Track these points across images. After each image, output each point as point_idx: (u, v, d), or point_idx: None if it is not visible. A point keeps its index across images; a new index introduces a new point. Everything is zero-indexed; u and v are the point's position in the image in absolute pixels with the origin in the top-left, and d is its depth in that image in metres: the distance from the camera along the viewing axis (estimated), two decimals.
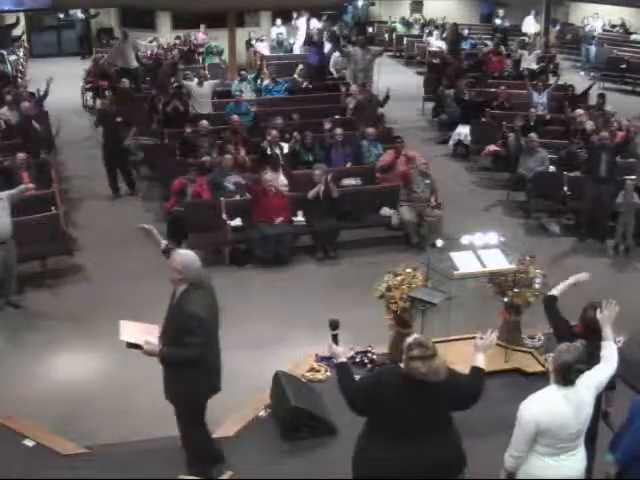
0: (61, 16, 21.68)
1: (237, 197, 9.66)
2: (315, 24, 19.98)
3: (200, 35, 18.13)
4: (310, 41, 17.91)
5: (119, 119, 11.16)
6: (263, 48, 18.96)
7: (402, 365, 3.95)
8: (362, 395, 4.00)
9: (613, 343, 4.43)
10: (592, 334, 4.66)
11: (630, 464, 4.23)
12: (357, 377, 4.25)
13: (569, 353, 4.01)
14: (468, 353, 4.34)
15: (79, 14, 20.83)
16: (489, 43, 18.98)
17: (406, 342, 3.94)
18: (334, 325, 4.31)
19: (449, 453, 4.02)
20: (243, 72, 14.73)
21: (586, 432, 4.14)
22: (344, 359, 4.22)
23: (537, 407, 3.98)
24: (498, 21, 22.33)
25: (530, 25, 21.56)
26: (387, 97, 13.41)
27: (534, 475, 4.05)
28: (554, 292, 5.13)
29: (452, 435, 4.08)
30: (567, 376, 4.00)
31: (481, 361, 4.22)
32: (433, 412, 3.95)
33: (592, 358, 4.48)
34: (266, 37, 19.90)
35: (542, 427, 3.94)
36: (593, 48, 19.75)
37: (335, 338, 4.29)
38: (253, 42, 19.27)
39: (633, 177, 9.84)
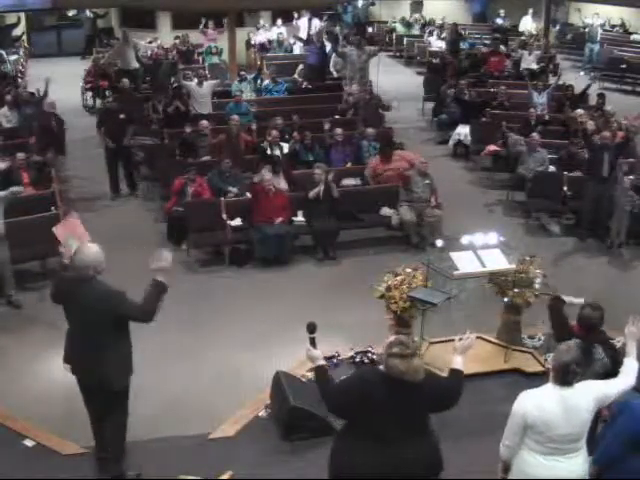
0: (70, 14, 21.65)
1: (235, 190, 9.67)
2: (316, 24, 19.99)
3: (209, 31, 18.10)
4: (309, 41, 17.92)
5: (122, 116, 11.15)
6: (261, 37, 18.98)
7: (381, 365, 3.97)
8: (344, 395, 3.99)
9: (635, 360, 4.39)
10: (587, 333, 4.67)
11: (608, 465, 4.23)
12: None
13: (568, 353, 4.03)
14: (467, 354, 4.34)
15: (88, 13, 20.83)
16: (487, 42, 18.97)
17: (387, 341, 3.97)
18: (311, 328, 4.30)
19: (428, 455, 4.03)
20: (242, 72, 14.74)
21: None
22: (322, 362, 4.20)
23: (528, 400, 4.03)
24: (500, 20, 22.29)
25: (527, 24, 21.55)
26: (388, 107, 13.52)
27: (526, 472, 4.08)
28: (564, 297, 5.15)
29: (431, 437, 4.09)
30: (564, 376, 4.01)
31: (460, 363, 4.24)
32: (414, 413, 3.97)
33: (586, 357, 4.49)
34: (267, 26, 19.88)
35: (529, 421, 3.99)
36: (597, 47, 19.74)
37: (313, 341, 4.28)
38: (252, 36, 19.29)
39: (631, 177, 9.84)
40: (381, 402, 3.89)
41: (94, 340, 4.90)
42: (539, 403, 3.99)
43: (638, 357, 4.39)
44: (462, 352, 4.28)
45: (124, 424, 5.23)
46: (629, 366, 4.35)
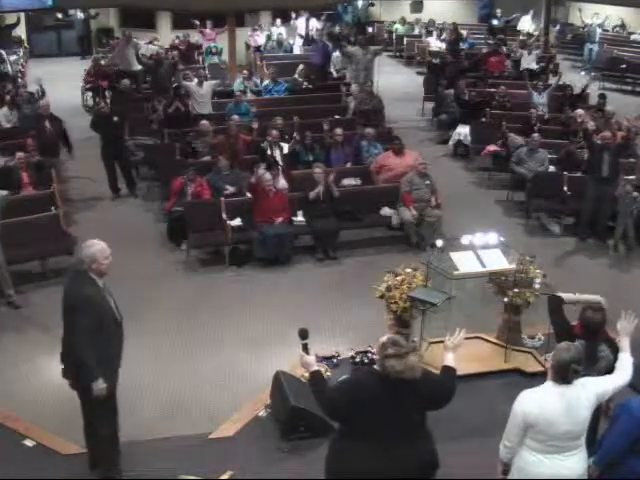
0: (60, 16, 21.64)
1: (232, 189, 9.68)
2: (314, 24, 19.98)
3: (207, 31, 18.11)
4: (312, 40, 17.89)
5: (116, 118, 11.14)
6: (257, 38, 18.99)
7: (377, 366, 3.96)
8: (342, 398, 3.97)
9: (629, 355, 4.40)
10: (590, 335, 4.66)
11: (610, 466, 4.24)
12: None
13: (568, 352, 4.04)
14: (467, 354, 4.35)
15: (79, 14, 20.83)
16: (487, 42, 18.97)
17: (380, 342, 3.96)
18: (303, 334, 4.30)
19: (425, 453, 4.03)
20: (245, 72, 14.80)
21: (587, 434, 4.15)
22: (316, 367, 4.20)
23: (528, 400, 4.04)
24: (495, 21, 22.26)
25: (526, 24, 21.52)
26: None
27: (527, 471, 4.08)
28: (562, 295, 5.14)
29: (427, 436, 4.09)
30: (563, 375, 4.02)
31: (451, 360, 4.26)
32: (410, 411, 3.96)
33: (591, 360, 4.49)
34: (265, 26, 19.88)
35: (530, 420, 3.98)
36: (596, 47, 19.73)
37: (305, 347, 4.28)
38: (249, 33, 19.31)
39: (631, 177, 9.84)
40: (378, 403, 3.88)
41: (67, 334, 4.92)
42: (540, 402, 4.00)
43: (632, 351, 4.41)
44: (453, 349, 4.30)
45: (106, 435, 5.09)
46: (625, 361, 4.38)
